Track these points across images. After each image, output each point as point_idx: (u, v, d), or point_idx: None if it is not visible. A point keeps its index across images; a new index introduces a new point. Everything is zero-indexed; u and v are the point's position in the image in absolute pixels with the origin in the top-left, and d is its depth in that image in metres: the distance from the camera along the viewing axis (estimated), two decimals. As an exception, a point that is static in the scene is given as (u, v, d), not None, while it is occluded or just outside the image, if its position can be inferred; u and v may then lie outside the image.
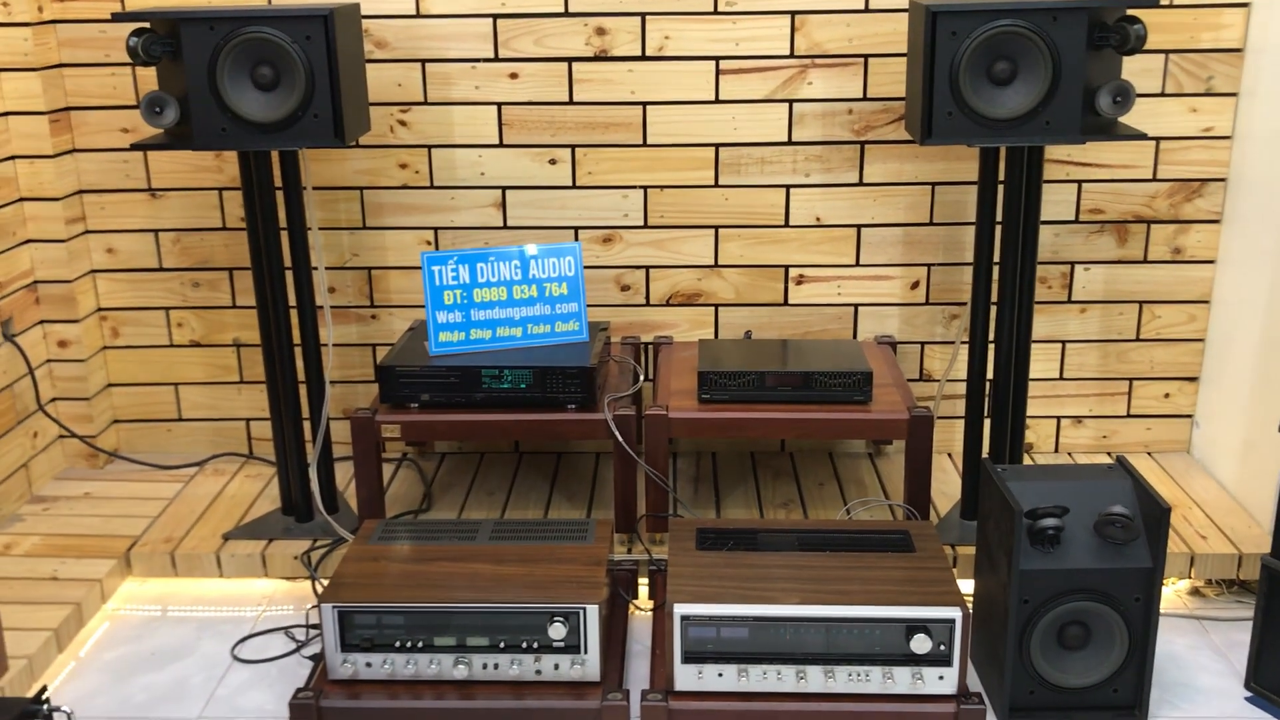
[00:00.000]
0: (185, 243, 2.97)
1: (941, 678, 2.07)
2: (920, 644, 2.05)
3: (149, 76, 2.83)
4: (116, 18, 2.36)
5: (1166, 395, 3.01)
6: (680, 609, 2.07)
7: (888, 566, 2.20)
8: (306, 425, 2.72)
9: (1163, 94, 2.78)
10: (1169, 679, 2.29)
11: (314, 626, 2.48)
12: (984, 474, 2.25)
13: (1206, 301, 2.93)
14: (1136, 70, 2.73)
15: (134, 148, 2.44)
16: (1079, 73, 2.26)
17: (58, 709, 1.89)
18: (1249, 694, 2.24)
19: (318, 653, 2.37)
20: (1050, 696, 2.13)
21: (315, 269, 2.60)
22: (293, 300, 2.59)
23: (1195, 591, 2.59)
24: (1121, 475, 2.19)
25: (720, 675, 2.09)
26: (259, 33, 2.30)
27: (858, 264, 2.94)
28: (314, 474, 2.69)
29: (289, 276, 2.62)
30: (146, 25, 2.33)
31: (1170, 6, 2.71)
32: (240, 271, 2.98)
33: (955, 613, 2.05)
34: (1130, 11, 2.27)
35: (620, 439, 2.51)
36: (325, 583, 2.52)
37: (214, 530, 2.71)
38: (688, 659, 2.09)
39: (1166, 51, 2.75)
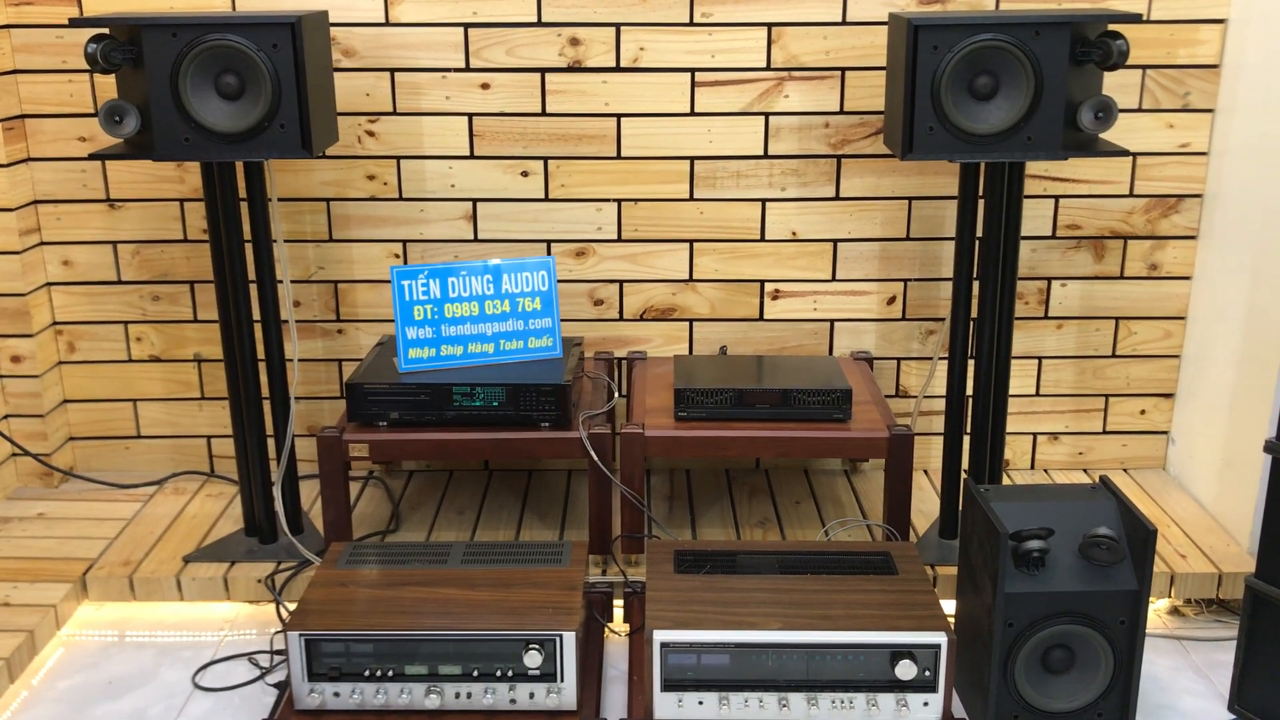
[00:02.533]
0: (145, 255, 2.89)
1: (926, 704, 2.03)
2: (905, 670, 2.01)
3: (108, 84, 2.75)
4: (74, 23, 2.29)
5: (1142, 412, 2.99)
6: (660, 635, 2.02)
7: (870, 590, 2.16)
8: (270, 443, 2.64)
9: (1140, 110, 2.77)
10: (1151, 701, 2.27)
11: (279, 652, 2.41)
12: (967, 494, 2.21)
13: (1182, 318, 2.92)
14: (1114, 86, 2.71)
15: (92, 157, 2.36)
16: (1061, 88, 2.24)
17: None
18: (1232, 717, 2.22)
19: (283, 680, 2.30)
20: (1035, 721, 2.10)
21: (280, 282, 2.53)
22: (257, 314, 2.52)
23: (1175, 611, 2.58)
24: (1105, 496, 2.16)
25: (700, 703, 2.04)
26: (224, 40, 2.23)
27: (834, 279, 2.90)
28: (278, 494, 2.62)
29: (253, 290, 2.55)
30: (106, 31, 2.26)
31: (1148, 22, 2.70)
32: (202, 285, 2.90)
33: (941, 638, 2.01)
34: (1112, 27, 2.25)
35: (596, 458, 2.46)
36: (290, 607, 2.45)
37: (174, 552, 2.62)
38: (667, 687, 2.04)
39: (1144, 67, 2.74)
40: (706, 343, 2.96)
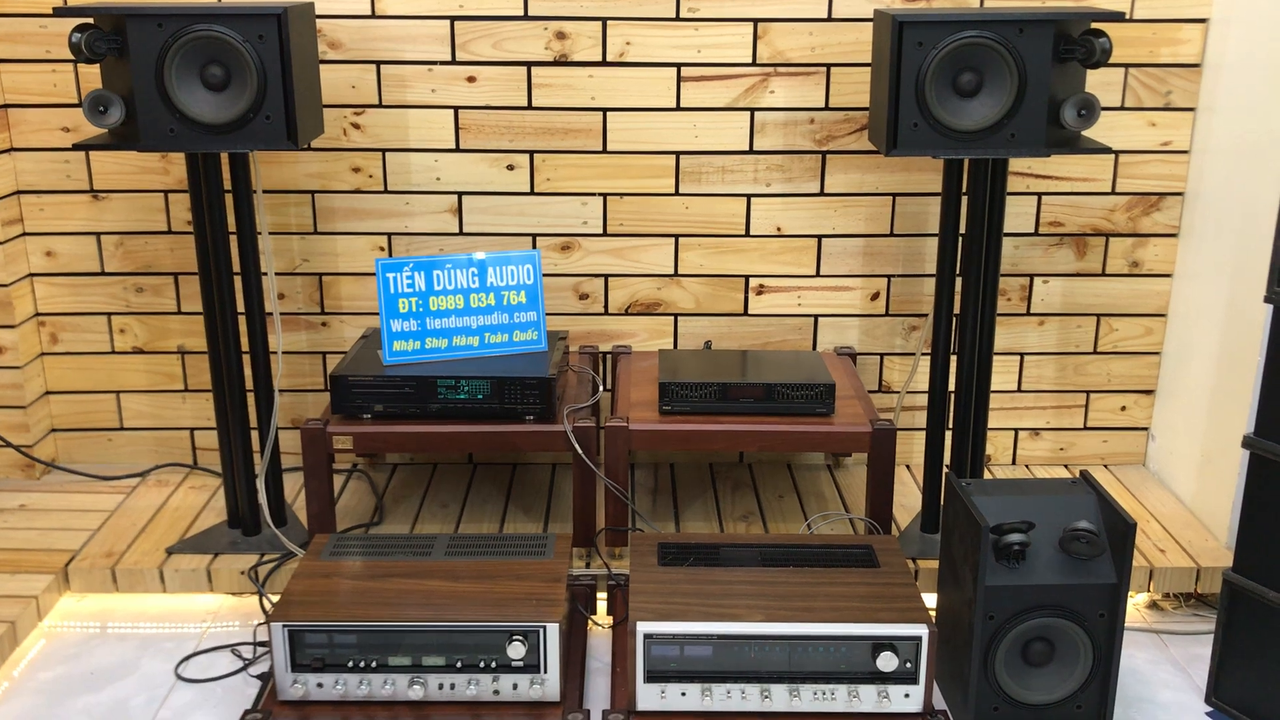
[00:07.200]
0: (129, 246, 2.88)
1: (908, 695, 2.05)
2: (887, 661, 2.02)
3: (92, 74, 2.74)
4: (58, 12, 2.28)
5: (1123, 408, 3.02)
6: (643, 627, 2.03)
7: (852, 582, 2.17)
8: (254, 435, 2.64)
9: (1122, 108, 2.79)
10: (1130, 694, 2.29)
11: (262, 644, 2.40)
12: (948, 488, 2.23)
13: (1163, 315, 2.94)
14: (1096, 84, 2.73)
15: (76, 148, 2.35)
16: (1044, 85, 2.25)
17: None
18: (1209, 709, 2.24)
19: (266, 671, 2.30)
20: (1014, 713, 2.12)
21: (264, 274, 2.52)
22: (241, 307, 2.52)
23: (1153, 605, 2.60)
24: (1085, 490, 2.18)
25: (683, 695, 2.05)
26: (209, 31, 2.22)
27: (818, 274, 2.91)
28: (262, 486, 2.61)
29: (237, 282, 2.54)
30: (90, 21, 2.25)
31: (1130, 21, 2.72)
32: (185, 276, 2.90)
33: (922, 630, 2.02)
34: (1095, 25, 2.27)
35: (580, 452, 2.46)
36: (273, 599, 2.45)
37: (157, 544, 2.62)
38: (650, 678, 2.05)
39: (1126, 65, 2.75)
40: (691, 337, 2.96)
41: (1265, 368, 2.09)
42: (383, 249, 2.88)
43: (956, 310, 2.52)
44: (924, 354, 2.90)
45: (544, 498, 2.88)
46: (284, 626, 2.06)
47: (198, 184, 2.41)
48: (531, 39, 2.73)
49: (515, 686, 2.08)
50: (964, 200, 2.44)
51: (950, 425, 2.57)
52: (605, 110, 2.78)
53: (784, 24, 2.73)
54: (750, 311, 2.94)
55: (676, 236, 2.88)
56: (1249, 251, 2.57)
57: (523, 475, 3.00)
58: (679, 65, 2.76)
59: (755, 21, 2.73)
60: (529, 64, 2.75)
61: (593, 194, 2.84)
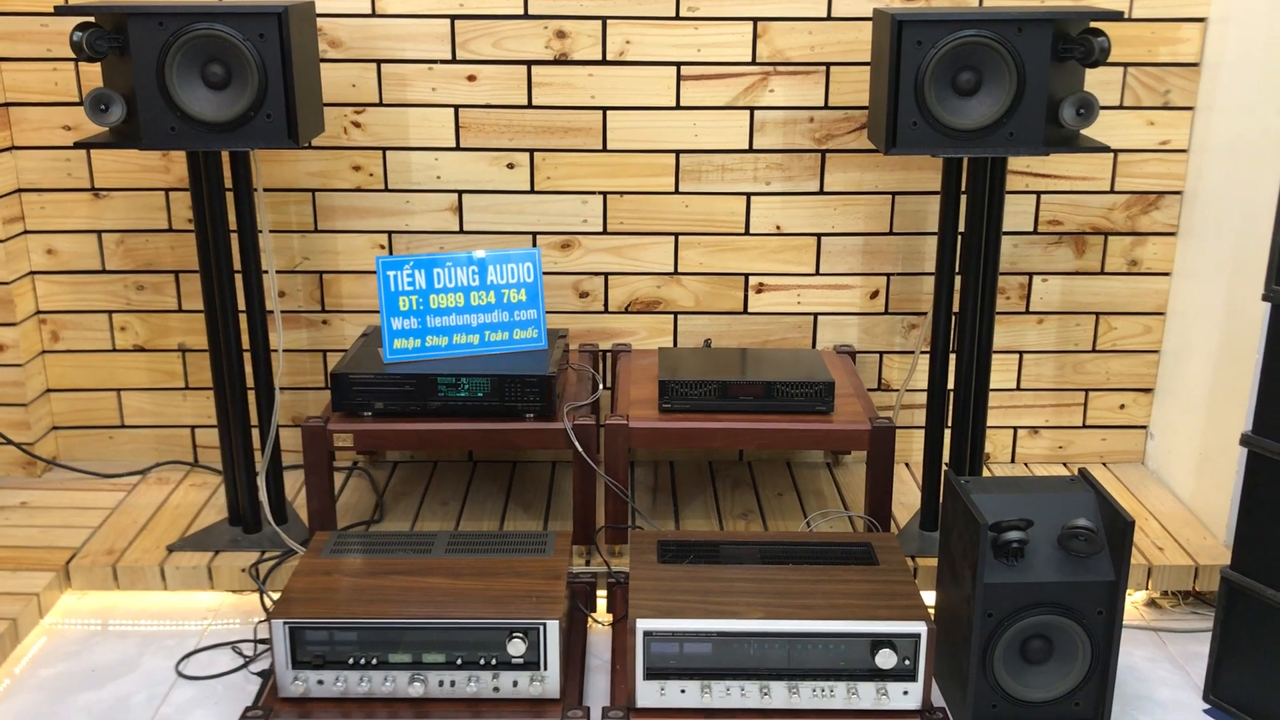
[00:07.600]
0: (129, 244, 2.88)
1: (906, 693, 2.06)
2: (885, 659, 2.03)
3: (93, 72, 2.75)
4: (60, 11, 2.29)
5: (1122, 406, 3.02)
6: (643, 624, 2.03)
7: (851, 580, 2.18)
8: (255, 433, 2.64)
9: (1121, 107, 2.79)
10: (1128, 691, 2.29)
11: (262, 641, 2.41)
12: (947, 486, 2.23)
13: (1162, 313, 2.95)
14: (1095, 83, 2.74)
15: (77, 146, 2.36)
16: (1043, 84, 2.26)
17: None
18: (1208, 706, 2.25)
19: (266, 668, 2.31)
20: (1013, 710, 2.12)
21: (265, 272, 2.53)
22: (242, 304, 2.52)
23: (1152, 603, 2.60)
24: (1084, 488, 2.19)
25: (683, 691, 2.06)
26: (210, 29, 2.23)
27: (817, 273, 2.92)
28: (263, 483, 2.62)
29: (238, 280, 2.55)
30: (91, 20, 2.26)
31: (1129, 20, 2.73)
32: (186, 274, 2.90)
33: (921, 627, 2.03)
34: (1094, 24, 2.28)
35: (580, 449, 2.47)
36: (274, 596, 2.45)
37: (158, 541, 2.62)
38: (650, 675, 2.06)
39: (1125, 65, 2.76)
40: (691, 335, 2.97)
41: (1263, 366, 2.10)
42: (383, 247, 2.89)
43: (956, 308, 2.52)
44: (923, 352, 2.91)
45: (544, 495, 2.89)
46: (285, 623, 2.06)
47: (198, 182, 2.42)
48: (531, 38, 2.74)
49: (515, 683, 2.09)
50: (963, 199, 2.44)
51: (949, 423, 2.57)
52: (605, 109, 2.79)
53: (783, 23, 2.74)
54: (750, 310, 2.95)
55: (676, 235, 2.89)
56: (1247, 250, 2.58)
57: (523, 473, 3.01)
58: (679, 64, 2.76)
59: (755, 20, 2.73)
60: (529, 63, 2.76)
61: (593, 192, 2.85)
